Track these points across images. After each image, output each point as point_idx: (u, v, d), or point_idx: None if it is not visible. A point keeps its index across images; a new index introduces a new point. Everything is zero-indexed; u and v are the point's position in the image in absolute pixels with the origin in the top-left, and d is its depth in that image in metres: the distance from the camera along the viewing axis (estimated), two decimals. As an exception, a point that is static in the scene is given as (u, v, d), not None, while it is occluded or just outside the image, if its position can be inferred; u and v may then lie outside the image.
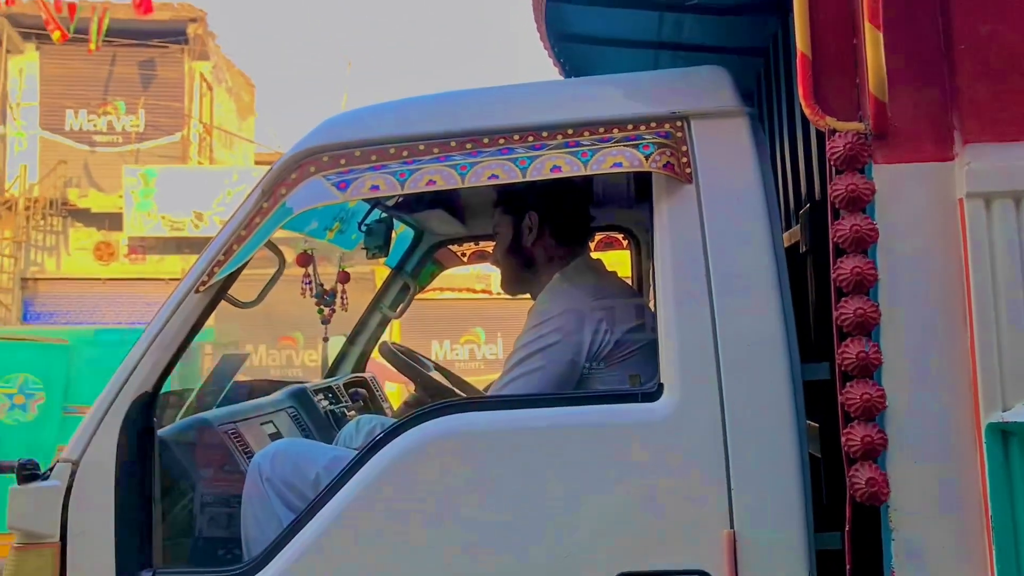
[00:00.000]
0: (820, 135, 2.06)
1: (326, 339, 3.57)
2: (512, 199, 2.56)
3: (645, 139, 2.01)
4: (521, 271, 2.58)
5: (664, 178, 2.02)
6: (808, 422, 2.00)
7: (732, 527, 1.88)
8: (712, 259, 1.98)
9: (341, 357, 3.82)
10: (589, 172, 1.99)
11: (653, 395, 1.97)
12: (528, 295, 2.59)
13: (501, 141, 2.04)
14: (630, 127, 2.04)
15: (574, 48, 3.11)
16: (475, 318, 17.00)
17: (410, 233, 3.65)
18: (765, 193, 2.02)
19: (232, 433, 2.71)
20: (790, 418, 1.91)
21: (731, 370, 1.92)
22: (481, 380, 3.31)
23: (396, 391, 8.08)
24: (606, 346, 2.27)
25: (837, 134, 1.88)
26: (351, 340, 3.82)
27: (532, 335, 2.28)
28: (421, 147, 2.05)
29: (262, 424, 2.95)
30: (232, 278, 2.13)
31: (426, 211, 3.26)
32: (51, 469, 2.08)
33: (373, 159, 2.05)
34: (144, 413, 2.09)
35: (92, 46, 16.22)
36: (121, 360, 2.09)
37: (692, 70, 2.19)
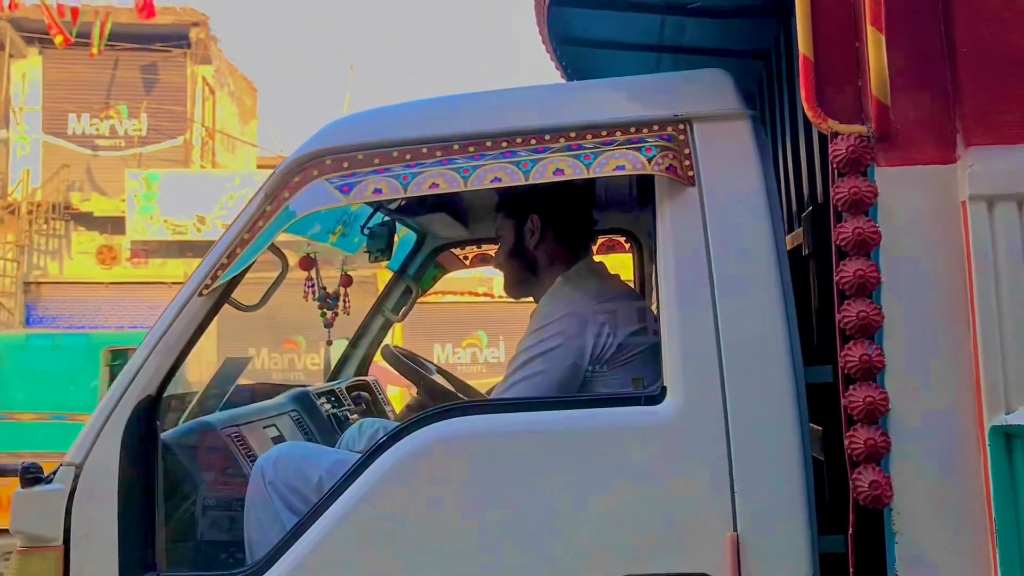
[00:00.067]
0: (822, 138, 2.06)
1: (329, 342, 3.57)
2: (515, 202, 2.56)
3: (648, 142, 2.01)
4: (524, 274, 2.59)
5: (666, 181, 2.02)
6: (811, 425, 2.00)
7: (735, 530, 1.87)
8: (715, 262, 1.98)
9: (343, 360, 3.83)
10: (592, 175, 2.00)
11: (656, 398, 1.96)
12: (531, 298, 2.60)
13: (504, 144, 2.04)
14: (632, 130, 2.04)
15: (576, 51, 3.11)
16: (477, 321, 17.01)
17: (412, 236, 3.66)
18: (767, 196, 2.02)
19: (235, 436, 2.72)
20: (793, 421, 1.91)
21: (734, 373, 1.92)
22: (483, 384, 3.31)
23: (398, 394, 8.08)
24: (609, 349, 2.27)
25: (839, 137, 1.88)
26: (353, 343, 3.82)
27: (535, 338, 2.28)
28: (424, 150, 2.06)
29: (265, 427, 2.95)
30: (235, 282, 2.13)
31: (429, 214, 3.26)
32: (55, 472, 2.08)
33: (376, 162, 2.06)
34: (147, 416, 2.09)
35: (94, 50, 16.27)
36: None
37: (694, 73, 2.20)
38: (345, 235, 3.20)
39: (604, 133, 2.04)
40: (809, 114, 1.90)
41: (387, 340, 3.81)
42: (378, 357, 3.64)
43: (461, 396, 2.86)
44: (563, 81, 3.21)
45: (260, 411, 3.04)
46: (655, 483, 1.92)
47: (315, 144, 2.11)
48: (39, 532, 2.04)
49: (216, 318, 2.17)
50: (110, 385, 1.96)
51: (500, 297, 14.33)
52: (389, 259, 3.30)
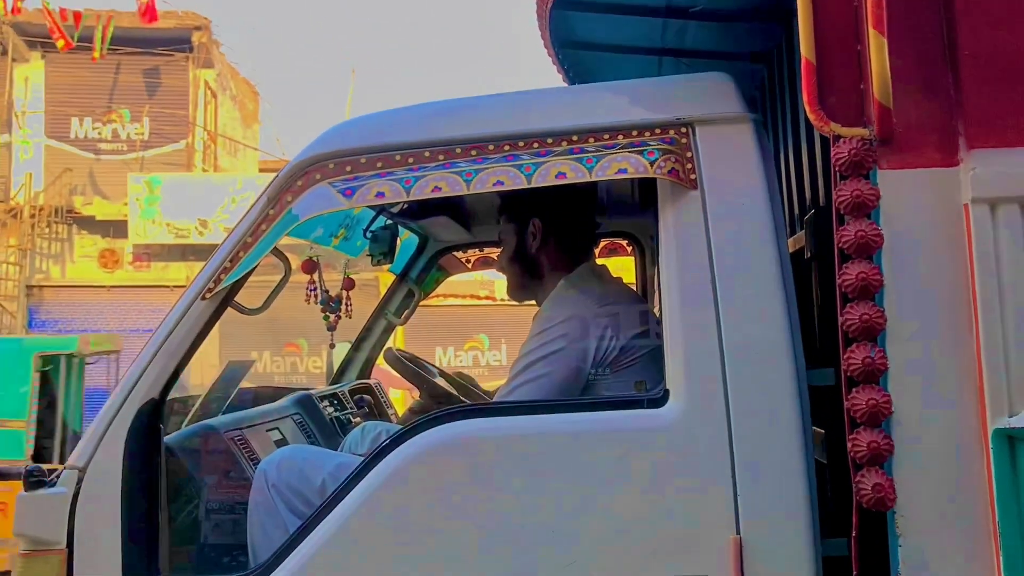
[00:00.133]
0: (824, 141, 2.06)
1: (332, 346, 3.57)
2: (517, 206, 2.56)
3: (650, 145, 2.01)
4: (526, 278, 2.59)
5: (669, 184, 2.02)
6: (814, 428, 2.00)
7: (738, 533, 1.87)
8: (717, 265, 1.98)
9: (346, 364, 3.83)
10: (594, 178, 2.00)
11: (659, 401, 1.96)
12: (534, 301, 2.60)
13: (506, 148, 2.05)
14: (635, 133, 2.04)
15: (578, 54, 3.12)
16: (479, 325, 17.00)
17: (415, 240, 3.66)
18: (770, 199, 2.02)
19: (238, 440, 2.72)
20: (796, 424, 1.91)
21: (737, 376, 1.92)
22: (485, 387, 3.31)
23: (400, 397, 8.08)
24: (611, 352, 2.27)
25: (842, 140, 1.88)
26: (356, 347, 3.82)
27: (537, 342, 2.29)
28: (426, 154, 2.06)
29: (268, 431, 2.95)
30: (238, 285, 2.13)
31: (431, 218, 3.26)
32: (58, 476, 2.08)
33: (379, 166, 2.06)
34: (150, 420, 2.09)
35: (96, 54, 16.29)
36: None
37: (696, 76, 2.20)
38: (348, 238, 3.20)
39: (606, 136, 2.04)
40: (811, 117, 1.90)
41: (389, 343, 3.81)
42: (381, 360, 3.64)
43: (463, 399, 2.86)
44: (565, 84, 3.22)
45: (263, 414, 3.04)
46: (658, 486, 1.92)
47: (318, 148, 2.12)
48: (42, 535, 2.04)
49: (218, 321, 2.17)
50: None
51: (502, 300, 14.34)
52: (391, 262, 3.30)
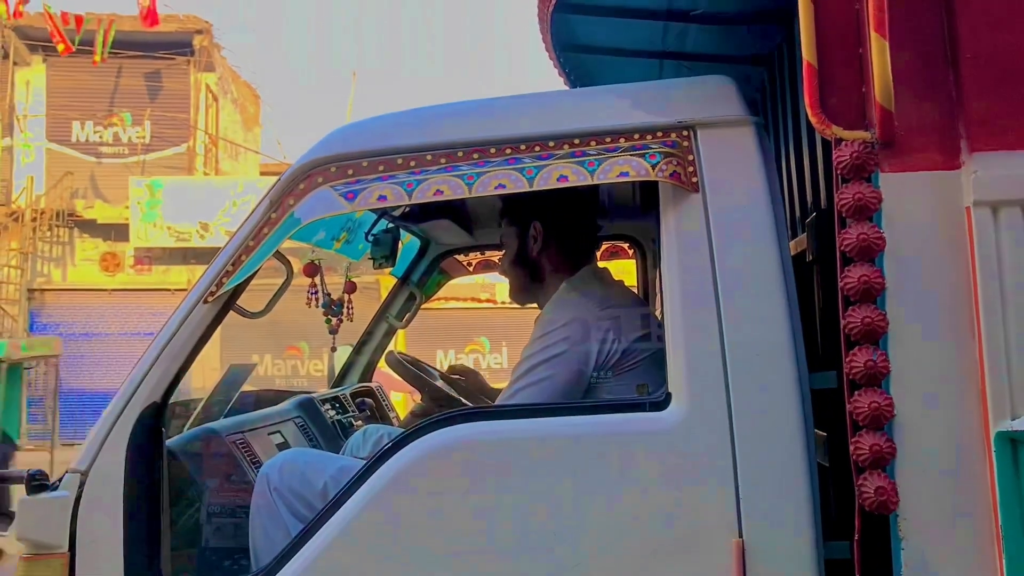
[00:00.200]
0: (826, 144, 2.06)
1: (334, 349, 3.57)
2: (519, 209, 2.57)
3: (651, 148, 2.01)
4: (528, 281, 2.59)
5: (671, 187, 2.02)
6: (816, 431, 2.00)
7: (741, 536, 1.87)
8: (719, 268, 1.98)
9: (347, 367, 3.83)
10: (596, 181, 2.00)
11: (661, 404, 1.96)
12: (535, 304, 2.60)
13: (508, 151, 2.05)
14: (636, 136, 2.04)
15: (579, 58, 3.12)
16: (480, 327, 17.00)
17: (416, 243, 3.66)
18: (771, 202, 2.02)
19: (240, 443, 2.72)
20: (798, 427, 1.91)
21: (739, 379, 1.92)
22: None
23: (402, 400, 8.08)
24: (613, 355, 2.27)
25: (843, 143, 1.88)
26: (357, 350, 3.82)
27: (539, 345, 2.29)
28: (428, 157, 2.06)
29: (269, 434, 2.95)
30: (240, 288, 2.13)
31: (433, 221, 3.27)
32: (60, 479, 2.08)
33: (380, 169, 2.06)
34: (152, 423, 2.09)
35: (97, 58, 16.32)
36: None
37: (698, 79, 2.20)
38: (349, 242, 3.21)
39: (608, 140, 2.04)
40: (813, 120, 1.90)
41: (391, 346, 3.81)
42: (382, 363, 3.64)
43: (465, 402, 2.87)
44: (566, 87, 3.22)
45: (265, 418, 3.04)
46: (660, 489, 1.92)
47: (320, 151, 2.12)
48: (44, 539, 2.04)
49: (220, 324, 2.17)
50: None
51: (503, 303, 14.34)
52: (393, 265, 3.31)
